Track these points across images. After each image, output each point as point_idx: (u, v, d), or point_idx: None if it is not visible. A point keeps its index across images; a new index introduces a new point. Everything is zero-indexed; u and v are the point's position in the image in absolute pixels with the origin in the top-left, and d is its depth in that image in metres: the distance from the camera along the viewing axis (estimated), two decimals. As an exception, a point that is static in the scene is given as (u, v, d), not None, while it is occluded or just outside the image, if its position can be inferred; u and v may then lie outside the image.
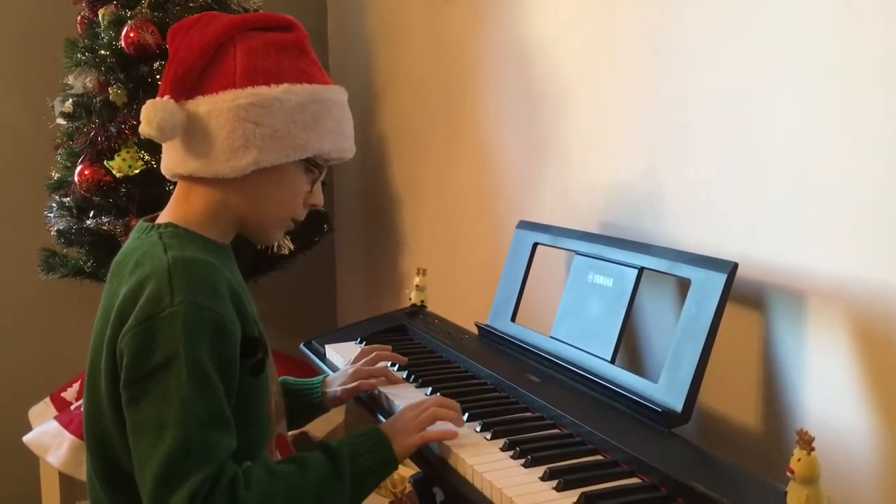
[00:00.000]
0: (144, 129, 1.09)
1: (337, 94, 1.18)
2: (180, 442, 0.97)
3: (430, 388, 1.40)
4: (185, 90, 1.10)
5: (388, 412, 1.36)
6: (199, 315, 1.01)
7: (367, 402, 1.45)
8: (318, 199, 1.22)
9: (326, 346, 1.70)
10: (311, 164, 1.17)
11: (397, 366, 1.50)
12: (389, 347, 1.54)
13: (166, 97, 1.09)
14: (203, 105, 1.09)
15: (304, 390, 1.43)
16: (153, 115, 1.08)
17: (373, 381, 1.42)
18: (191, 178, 1.14)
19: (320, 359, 1.68)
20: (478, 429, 1.21)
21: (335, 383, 1.43)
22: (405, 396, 1.38)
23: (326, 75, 1.19)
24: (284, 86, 1.11)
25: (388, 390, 1.41)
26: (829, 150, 1.14)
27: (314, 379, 1.46)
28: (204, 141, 1.10)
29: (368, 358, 1.47)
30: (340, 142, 1.18)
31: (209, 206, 1.14)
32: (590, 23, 1.65)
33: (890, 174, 1.06)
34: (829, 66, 1.14)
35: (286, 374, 1.46)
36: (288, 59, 1.14)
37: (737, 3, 1.28)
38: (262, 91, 1.10)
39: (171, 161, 1.15)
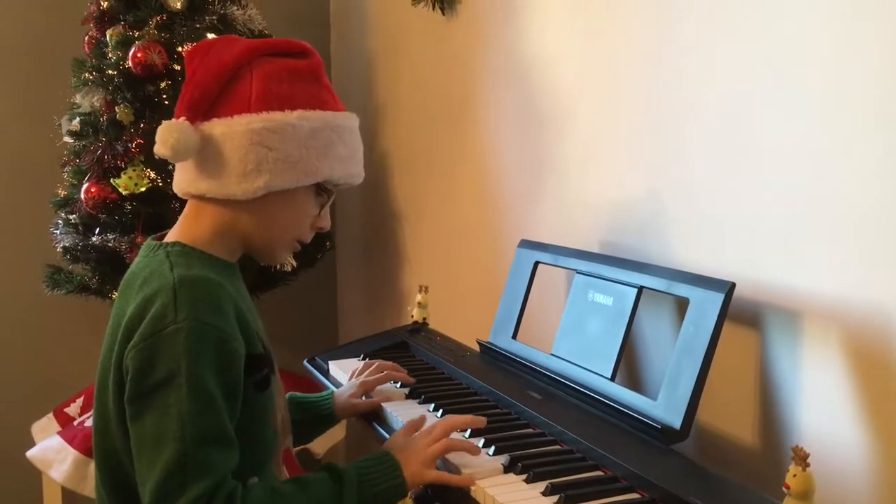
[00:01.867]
0: (159, 149, 1.10)
1: (349, 121, 1.20)
2: (177, 457, 0.98)
3: (432, 405, 1.42)
4: (201, 112, 1.12)
5: (389, 426, 1.40)
6: (202, 332, 1.02)
7: (368, 415, 1.48)
8: (326, 222, 1.23)
9: (330, 363, 1.71)
10: (320, 189, 1.19)
11: (399, 384, 1.53)
12: (391, 364, 1.56)
13: (182, 119, 1.11)
14: (218, 127, 1.11)
15: (314, 402, 1.46)
16: (168, 136, 1.09)
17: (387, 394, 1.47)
18: (202, 198, 1.15)
19: (324, 375, 1.69)
20: (480, 445, 1.23)
21: (345, 396, 1.47)
22: (407, 413, 1.40)
23: (339, 101, 1.20)
24: (298, 112, 1.13)
25: (389, 407, 1.44)
26: (827, 171, 1.16)
27: (323, 392, 1.49)
28: (217, 163, 1.11)
29: (371, 369, 1.52)
30: (351, 167, 1.20)
31: (218, 226, 1.16)
32: (590, 41, 1.67)
33: (885, 195, 1.08)
34: (828, 88, 1.16)
35: (287, 390, 1.48)
36: (302, 85, 1.16)
37: (736, 22, 1.30)
38: (277, 116, 1.11)
39: (184, 180, 1.16)
